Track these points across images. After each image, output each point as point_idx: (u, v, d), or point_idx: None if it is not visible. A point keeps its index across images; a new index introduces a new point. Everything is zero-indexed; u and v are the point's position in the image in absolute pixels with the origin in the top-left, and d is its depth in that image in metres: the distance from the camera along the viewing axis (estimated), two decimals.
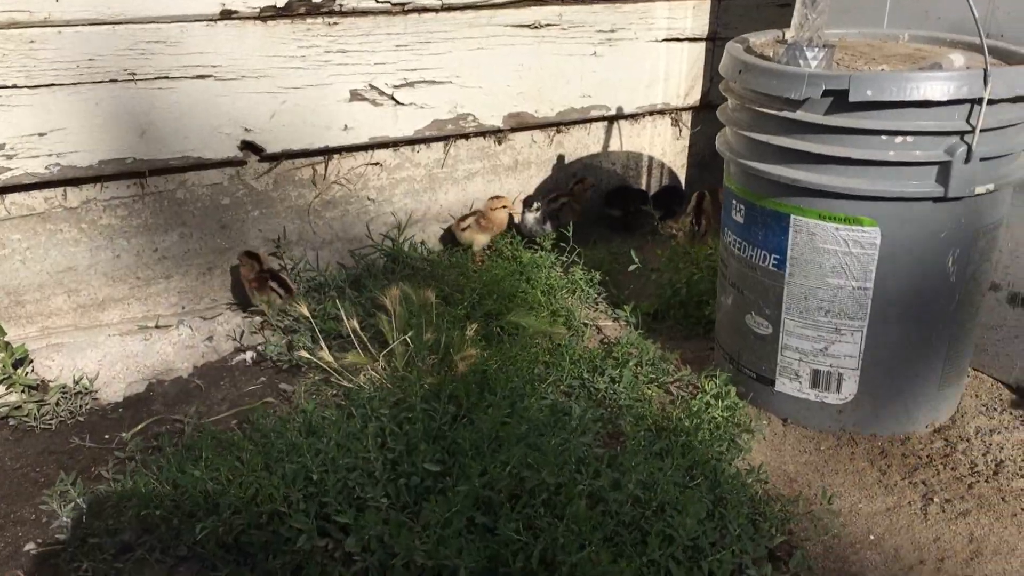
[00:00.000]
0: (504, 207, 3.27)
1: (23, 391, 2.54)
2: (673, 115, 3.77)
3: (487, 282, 2.96)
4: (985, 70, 1.94)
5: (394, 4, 2.95)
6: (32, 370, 2.64)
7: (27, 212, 2.69)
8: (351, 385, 2.41)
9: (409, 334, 2.47)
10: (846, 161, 2.06)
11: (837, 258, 2.16)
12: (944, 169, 2.02)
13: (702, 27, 3.58)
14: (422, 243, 3.37)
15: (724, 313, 2.53)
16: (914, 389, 2.30)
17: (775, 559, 1.93)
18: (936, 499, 2.13)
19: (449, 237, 3.41)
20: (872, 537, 2.03)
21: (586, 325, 2.89)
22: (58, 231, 2.76)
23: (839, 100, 2.01)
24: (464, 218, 3.28)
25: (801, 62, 2.16)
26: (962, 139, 2.00)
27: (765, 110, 2.15)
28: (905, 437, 2.34)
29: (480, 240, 3.28)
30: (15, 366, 2.55)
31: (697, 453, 2.13)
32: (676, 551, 1.82)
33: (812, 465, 2.27)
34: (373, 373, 2.44)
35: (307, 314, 2.48)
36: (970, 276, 2.20)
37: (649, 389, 2.50)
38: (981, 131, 1.98)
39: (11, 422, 2.49)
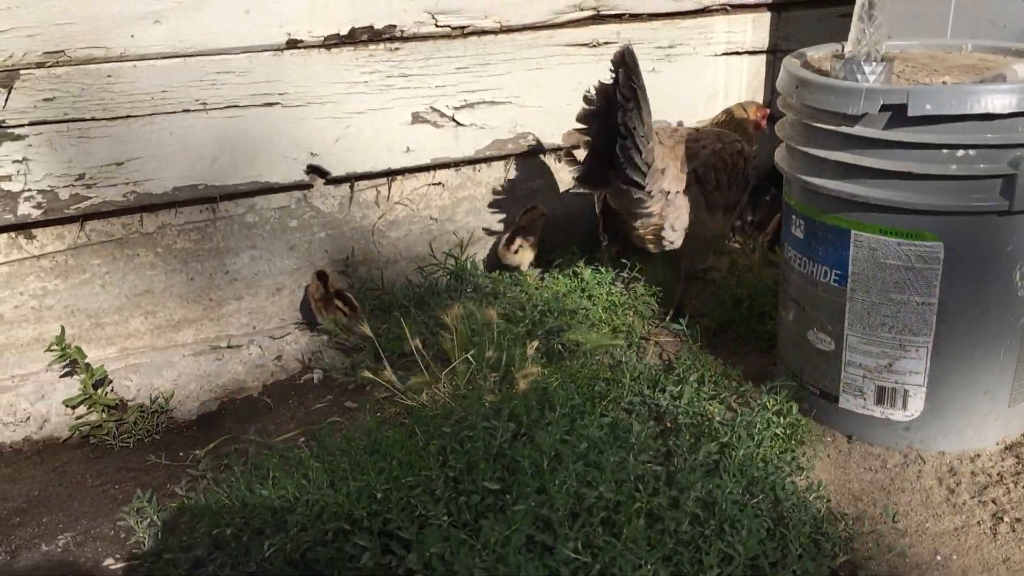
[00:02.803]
0: (543, 215, 3.30)
1: (103, 410, 2.65)
2: None
3: (548, 299, 2.99)
4: None
5: (454, 28, 3.01)
6: (111, 390, 2.75)
7: (106, 238, 2.81)
8: (414, 403, 2.46)
9: (471, 352, 2.51)
10: (907, 176, 2.04)
11: (900, 273, 2.14)
12: (1008, 182, 1.99)
13: (762, 40, 3.56)
14: (484, 261, 3.41)
15: (786, 329, 2.51)
16: (983, 405, 2.25)
17: None
18: (1006, 518, 2.08)
19: (495, 261, 3.42)
20: (939, 557, 1.99)
21: (647, 341, 2.89)
22: (135, 255, 2.87)
23: (898, 114, 2.00)
24: (512, 239, 3.28)
25: (859, 77, 2.14)
26: None
27: (823, 125, 2.15)
28: (975, 455, 2.29)
29: (529, 257, 3.29)
30: (95, 386, 2.67)
31: (757, 470, 2.12)
32: (736, 570, 1.82)
33: (878, 483, 2.24)
34: (435, 391, 2.48)
35: (370, 334, 2.54)
36: None
37: (710, 405, 2.49)
38: None
39: (92, 440, 2.60)
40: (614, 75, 2.59)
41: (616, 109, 2.59)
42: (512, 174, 3.37)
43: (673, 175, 2.80)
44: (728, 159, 2.94)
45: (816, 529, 1.99)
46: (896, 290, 2.16)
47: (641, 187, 2.70)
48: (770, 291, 2.90)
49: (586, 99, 2.76)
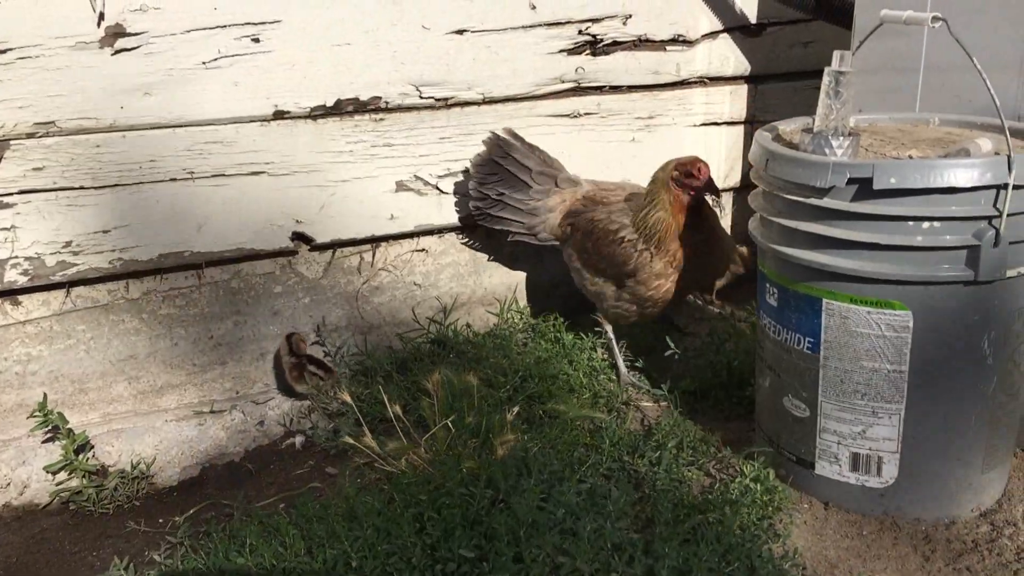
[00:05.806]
0: None
1: (84, 476, 2.64)
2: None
3: (529, 365, 3.02)
4: (1009, 156, 1.98)
5: (437, 100, 3.09)
6: (93, 455, 2.75)
7: (91, 304, 2.84)
8: (393, 469, 2.47)
9: (451, 418, 2.53)
10: (874, 247, 2.09)
11: (870, 341, 2.18)
12: (973, 253, 2.04)
13: (740, 111, 3.66)
14: (467, 326, 3.45)
15: (762, 395, 2.54)
16: (956, 472, 2.28)
17: None
18: None
19: None
20: None
21: (627, 406, 2.92)
22: (120, 321, 2.90)
23: (864, 187, 2.05)
24: None
25: (827, 151, 2.20)
26: (990, 223, 2.02)
27: (793, 197, 2.20)
28: (950, 521, 2.31)
29: None
30: (77, 452, 2.66)
31: (733, 537, 2.13)
32: None
33: (854, 550, 2.25)
34: (415, 457, 2.49)
35: (349, 400, 2.56)
36: (1007, 357, 2.20)
37: (689, 471, 2.50)
38: (1008, 215, 2.00)
39: (71, 507, 2.60)
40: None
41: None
42: (496, 239, 3.42)
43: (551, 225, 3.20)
44: (599, 232, 3.00)
45: None
46: (867, 358, 2.19)
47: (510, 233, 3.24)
48: (749, 358, 2.93)
49: (465, 171, 3.26)
